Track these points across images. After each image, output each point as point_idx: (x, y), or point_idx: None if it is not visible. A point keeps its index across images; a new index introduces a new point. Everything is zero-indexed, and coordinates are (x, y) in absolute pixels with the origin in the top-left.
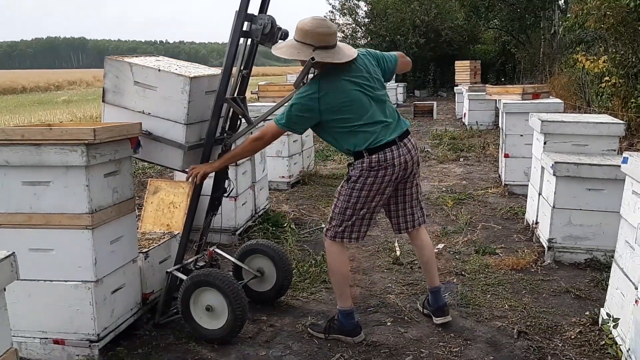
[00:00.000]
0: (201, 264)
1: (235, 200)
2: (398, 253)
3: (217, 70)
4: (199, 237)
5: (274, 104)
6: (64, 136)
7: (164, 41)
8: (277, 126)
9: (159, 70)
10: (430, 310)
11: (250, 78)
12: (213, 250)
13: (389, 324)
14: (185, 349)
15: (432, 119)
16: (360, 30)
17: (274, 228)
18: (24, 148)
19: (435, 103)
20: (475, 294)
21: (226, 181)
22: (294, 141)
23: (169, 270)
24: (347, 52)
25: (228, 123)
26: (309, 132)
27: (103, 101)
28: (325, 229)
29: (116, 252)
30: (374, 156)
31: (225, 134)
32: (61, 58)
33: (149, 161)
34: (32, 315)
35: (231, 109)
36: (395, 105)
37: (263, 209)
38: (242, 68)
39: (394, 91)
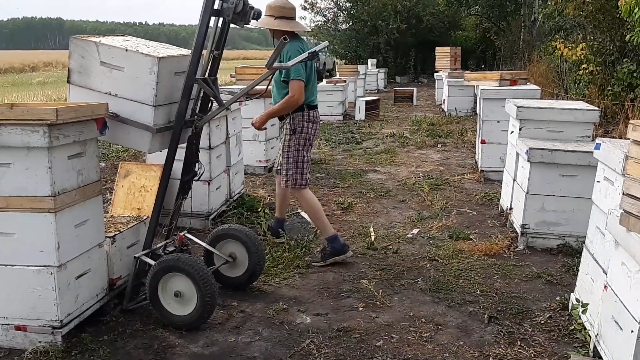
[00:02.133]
0: (171, 249)
1: (209, 184)
2: (372, 238)
3: (188, 51)
4: (168, 221)
5: None
6: (25, 116)
7: (144, 23)
8: (299, 80)
9: (126, 50)
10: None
11: (233, 61)
12: (184, 235)
13: (360, 309)
14: (152, 335)
15: (412, 105)
16: (341, 14)
17: (248, 213)
18: None
19: (415, 89)
20: (448, 279)
21: (197, 164)
22: (271, 125)
23: (136, 255)
24: (303, 26)
25: (199, 105)
26: None
27: (68, 82)
28: (284, 182)
29: (81, 236)
30: (311, 111)
31: (195, 116)
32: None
33: (116, 143)
34: None
35: (202, 91)
36: (376, 91)
37: (238, 193)
38: (213, 49)
39: (375, 77)
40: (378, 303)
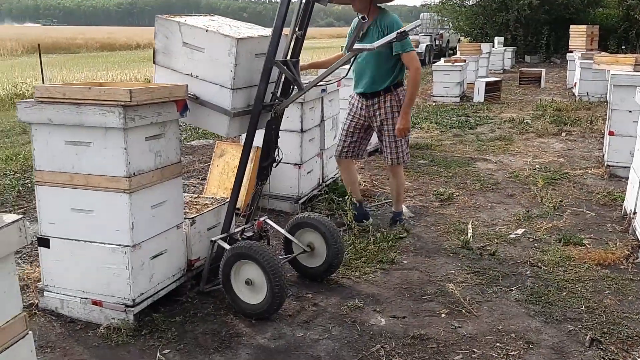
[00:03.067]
0: (249, 234)
1: (300, 168)
2: (469, 236)
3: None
4: (248, 205)
5: None
6: (101, 97)
7: (273, 0)
8: (413, 52)
9: (207, 30)
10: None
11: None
12: (263, 220)
13: (443, 315)
14: (222, 320)
15: (539, 88)
16: None
17: (340, 199)
18: (66, 107)
19: (544, 70)
20: (549, 290)
21: (276, 150)
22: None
23: (213, 239)
24: None
25: (280, 88)
26: None
27: (154, 62)
28: (396, 159)
29: (157, 217)
30: (400, 90)
31: (275, 100)
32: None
33: (197, 126)
34: (73, 275)
35: (283, 74)
36: (501, 71)
37: (332, 177)
38: (296, 29)
39: (500, 56)
40: (463, 311)
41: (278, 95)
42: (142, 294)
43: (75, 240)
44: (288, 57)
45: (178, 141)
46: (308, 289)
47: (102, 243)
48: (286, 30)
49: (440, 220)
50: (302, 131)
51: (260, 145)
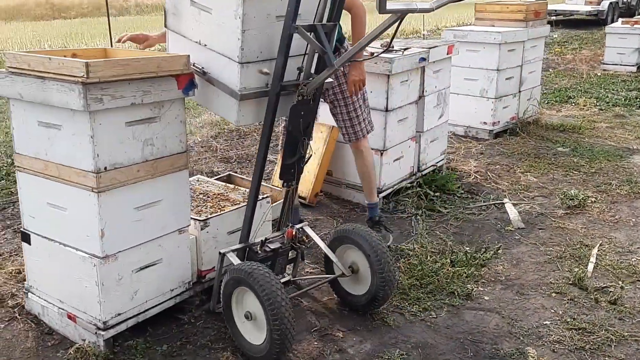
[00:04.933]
0: (273, 245)
1: (382, 154)
2: (588, 268)
3: None
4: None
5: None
6: (61, 70)
7: None
8: None
9: None
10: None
11: None
12: (296, 229)
13: None
14: (215, 358)
15: None
16: None
17: (436, 193)
18: (32, 80)
19: None
20: None
21: (304, 144)
22: (506, 79)
23: (222, 251)
24: None
25: (313, 62)
26: (535, 67)
27: (165, 26)
28: (352, 134)
29: (146, 220)
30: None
31: (301, 79)
32: None
33: (207, 108)
34: (52, 280)
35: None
36: None
37: (434, 165)
38: None
39: None
40: None
41: (311, 71)
42: (119, 314)
43: (51, 240)
44: (322, 21)
45: (182, 126)
46: (342, 323)
47: (73, 248)
48: None
49: (556, 238)
50: (386, 110)
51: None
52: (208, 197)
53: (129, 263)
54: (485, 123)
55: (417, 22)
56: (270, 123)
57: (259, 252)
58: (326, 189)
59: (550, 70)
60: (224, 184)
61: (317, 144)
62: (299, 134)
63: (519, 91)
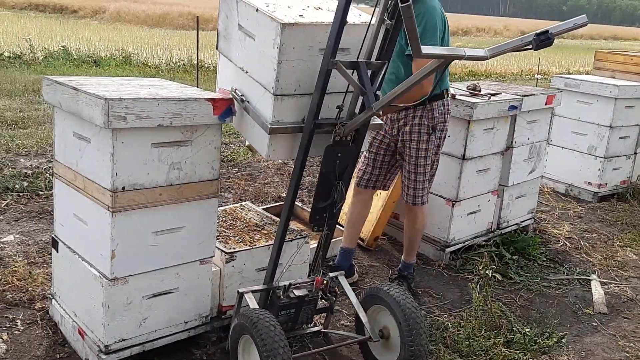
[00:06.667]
0: (299, 292)
1: (453, 205)
2: None
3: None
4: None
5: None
6: None
7: None
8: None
9: (257, 10)
10: None
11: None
12: (328, 277)
13: None
14: None
15: None
16: None
17: (513, 257)
18: (67, 90)
19: None
20: None
21: (339, 187)
22: (620, 138)
23: (240, 290)
24: None
25: (357, 101)
26: None
27: (217, 49)
28: (410, 197)
29: (164, 246)
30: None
31: (339, 118)
32: (489, 4)
33: (245, 138)
34: (70, 291)
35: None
36: None
37: (517, 224)
38: (385, 17)
39: None
40: None
41: (355, 111)
42: (123, 339)
43: (74, 252)
44: (371, 58)
45: (216, 152)
46: None
47: (89, 264)
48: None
49: None
50: (463, 158)
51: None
52: (248, 226)
53: (140, 288)
54: (590, 184)
55: (530, 61)
56: (302, 162)
57: (282, 297)
58: (391, 233)
59: None
60: (269, 215)
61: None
62: (334, 177)
63: (635, 153)
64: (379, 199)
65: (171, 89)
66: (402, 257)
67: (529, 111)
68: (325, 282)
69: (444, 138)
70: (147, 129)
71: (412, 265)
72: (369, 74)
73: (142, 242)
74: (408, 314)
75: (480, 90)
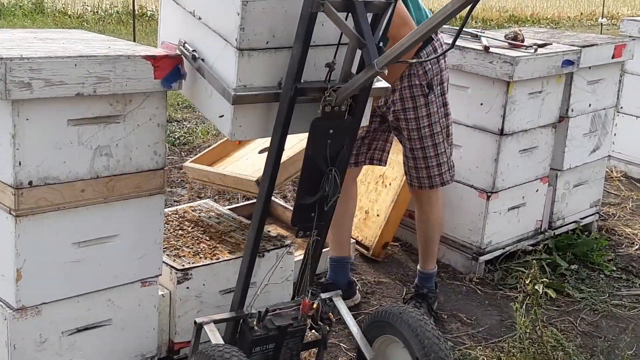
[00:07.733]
0: (279, 322)
1: (488, 198)
2: None
3: None
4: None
5: None
6: None
7: None
8: None
9: None
10: None
11: None
12: (319, 299)
13: None
14: None
15: None
16: None
17: (571, 267)
18: None
19: None
20: None
21: (331, 177)
22: None
23: (198, 320)
24: None
25: (356, 59)
26: None
27: None
28: (425, 180)
29: (90, 263)
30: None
31: (329, 81)
32: None
33: (198, 109)
34: None
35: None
36: None
37: (576, 221)
38: None
39: None
40: None
41: (349, 70)
42: None
43: None
44: None
45: (160, 131)
46: None
47: None
48: None
49: None
50: (501, 133)
51: None
52: (208, 233)
53: (59, 321)
54: None
55: (593, 1)
56: (279, 143)
57: (256, 328)
58: (404, 237)
59: None
60: (238, 217)
61: (397, 171)
62: (324, 162)
63: None
64: (388, 191)
65: (94, 44)
66: (418, 266)
67: (590, 67)
68: (315, 306)
69: (447, 91)
70: (61, 99)
71: (432, 277)
72: (370, 18)
73: (59, 257)
74: (428, 346)
75: (523, 40)
